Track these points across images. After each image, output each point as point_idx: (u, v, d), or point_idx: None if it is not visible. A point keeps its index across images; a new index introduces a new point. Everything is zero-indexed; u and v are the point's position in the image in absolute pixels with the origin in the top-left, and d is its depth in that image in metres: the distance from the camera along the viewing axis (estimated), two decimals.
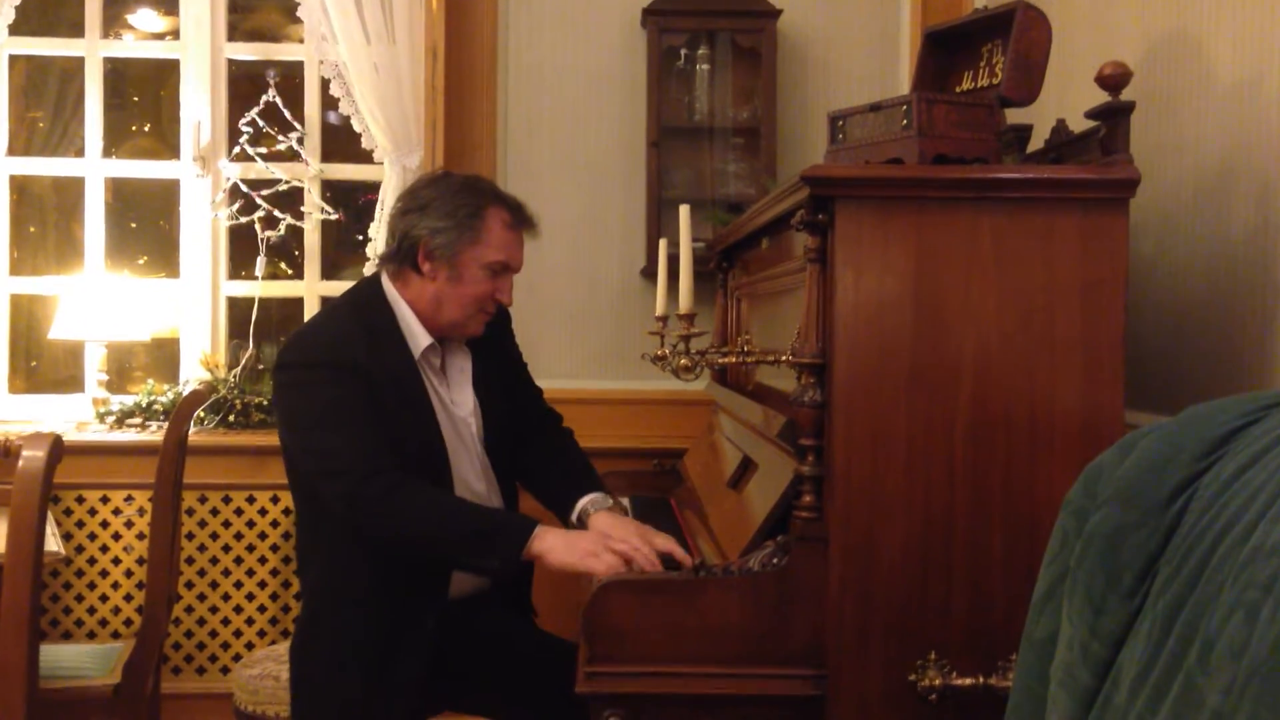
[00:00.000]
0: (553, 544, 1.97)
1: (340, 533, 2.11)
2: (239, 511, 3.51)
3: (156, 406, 3.58)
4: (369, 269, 3.47)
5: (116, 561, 3.48)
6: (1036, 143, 2.18)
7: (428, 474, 2.12)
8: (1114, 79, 1.75)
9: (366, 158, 3.60)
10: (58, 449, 2.23)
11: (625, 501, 2.69)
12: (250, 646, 3.50)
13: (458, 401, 2.26)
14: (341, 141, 3.75)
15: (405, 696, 2.15)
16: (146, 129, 4.42)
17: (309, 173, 3.71)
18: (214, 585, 3.51)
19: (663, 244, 2.50)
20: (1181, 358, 2.06)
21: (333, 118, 3.78)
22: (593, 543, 1.97)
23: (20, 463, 2.19)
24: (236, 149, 3.68)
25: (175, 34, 3.76)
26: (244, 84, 3.80)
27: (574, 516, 2.21)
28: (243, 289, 3.74)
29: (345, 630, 2.14)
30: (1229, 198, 1.92)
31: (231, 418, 3.53)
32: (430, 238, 2.14)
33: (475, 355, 2.31)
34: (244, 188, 3.68)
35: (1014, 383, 1.72)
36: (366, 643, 2.13)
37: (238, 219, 3.68)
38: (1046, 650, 1.24)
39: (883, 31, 3.58)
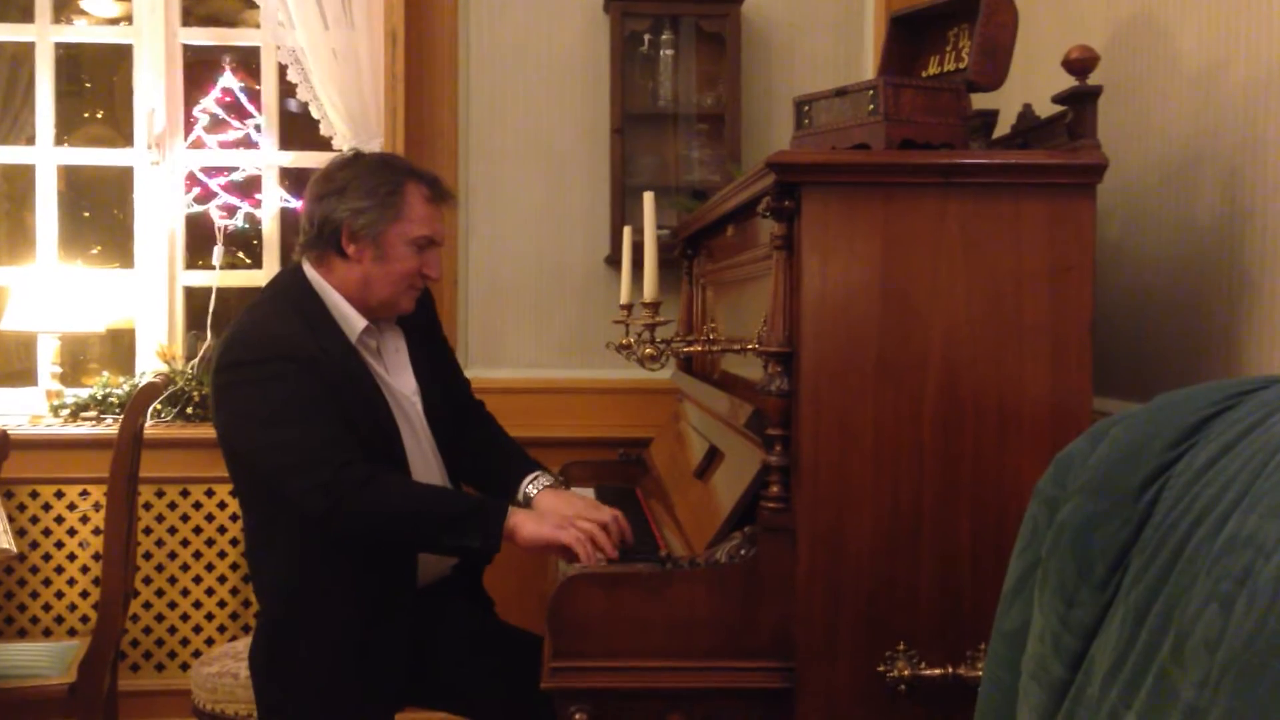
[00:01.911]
0: (522, 520, 1.99)
1: (300, 531, 2.07)
2: (197, 505, 3.44)
3: (112, 399, 3.50)
4: None
5: (72, 558, 3.41)
6: (1003, 128, 2.17)
7: (384, 458, 2.09)
8: (1081, 63, 1.74)
9: (326, 145, 3.54)
10: (3, 445, 2.17)
11: (590, 491, 2.67)
12: (210, 642, 3.44)
13: (399, 382, 2.24)
14: (300, 128, 3.68)
15: (386, 689, 2.12)
16: (100, 116, 4.33)
17: (267, 160, 3.64)
18: (173, 580, 3.45)
19: (627, 231, 2.47)
20: (1149, 344, 2.05)
21: (291, 104, 3.71)
22: (561, 517, 1.99)
23: None
24: (193, 136, 3.61)
25: (129, 19, 3.67)
26: (199, 70, 3.72)
27: (519, 495, 2.21)
28: (200, 279, 3.67)
29: (317, 630, 2.10)
30: (1195, 183, 1.91)
31: (189, 410, 3.46)
32: (352, 219, 2.12)
33: (407, 336, 2.29)
34: (200, 175, 3.60)
35: (982, 370, 1.71)
36: (341, 639, 2.09)
37: (194, 207, 3.61)
38: (1017, 641, 1.23)
39: (847, 16, 3.55)
